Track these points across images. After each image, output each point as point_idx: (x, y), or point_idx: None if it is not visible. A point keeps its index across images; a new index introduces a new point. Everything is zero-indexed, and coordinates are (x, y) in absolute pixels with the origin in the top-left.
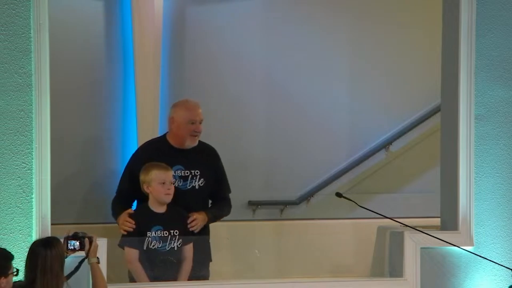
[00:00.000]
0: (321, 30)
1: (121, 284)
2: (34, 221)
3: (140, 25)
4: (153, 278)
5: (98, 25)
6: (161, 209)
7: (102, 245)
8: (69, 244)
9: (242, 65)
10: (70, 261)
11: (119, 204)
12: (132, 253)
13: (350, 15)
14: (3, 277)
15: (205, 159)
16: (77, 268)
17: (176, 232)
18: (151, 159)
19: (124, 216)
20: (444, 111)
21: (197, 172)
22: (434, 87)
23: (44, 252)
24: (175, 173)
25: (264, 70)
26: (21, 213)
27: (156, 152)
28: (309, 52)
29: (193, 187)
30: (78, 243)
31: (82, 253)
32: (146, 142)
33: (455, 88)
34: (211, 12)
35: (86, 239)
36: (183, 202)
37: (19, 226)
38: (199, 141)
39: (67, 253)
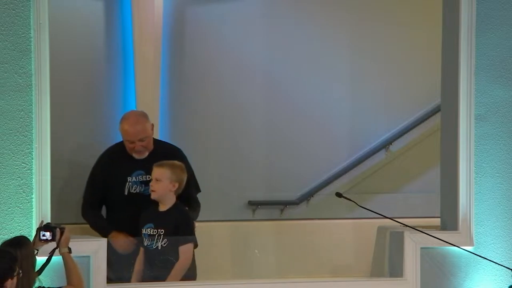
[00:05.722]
0: (321, 30)
1: (121, 284)
2: (34, 221)
3: (140, 25)
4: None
5: (98, 25)
6: (162, 208)
7: (102, 245)
8: (41, 235)
9: (242, 65)
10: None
11: (90, 212)
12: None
13: (350, 15)
14: (9, 279)
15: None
16: (48, 260)
17: (161, 231)
18: (111, 166)
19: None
20: (444, 111)
21: None
22: (434, 87)
23: (14, 252)
24: (136, 178)
25: (264, 70)
26: (21, 213)
27: (115, 159)
28: (309, 52)
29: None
30: (49, 233)
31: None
32: (106, 149)
33: (455, 88)
34: (211, 12)
35: (58, 230)
36: (147, 207)
37: (19, 226)
38: (162, 141)
39: (39, 242)
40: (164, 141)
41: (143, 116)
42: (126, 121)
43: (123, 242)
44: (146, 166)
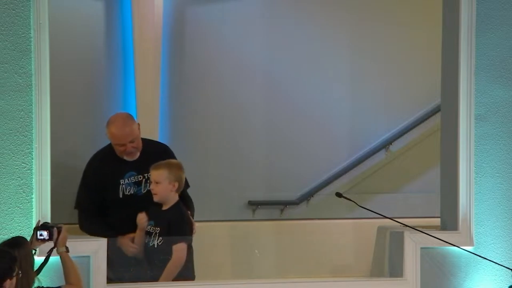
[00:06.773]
0: (321, 30)
1: (121, 284)
2: (34, 221)
3: (140, 25)
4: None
5: (98, 25)
6: (164, 207)
7: (102, 245)
8: (38, 234)
9: (242, 65)
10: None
11: (89, 226)
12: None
13: (350, 15)
14: (8, 279)
15: (155, 159)
16: (46, 259)
17: (157, 230)
18: (102, 171)
19: (127, 243)
20: (444, 111)
21: (149, 175)
22: (434, 87)
23: (13, 252)
24: (128, 180)
25: (264, 70)
26: (21, 213)
27: (106, 163)
28: (309, 52)
29: (149, 190)
30: (46, 232)
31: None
32: (94, 154)
33: (455, 88)
34: (211, 12)
35: (55, 229)
36: (142, 208)
37: (19, 226)
38: (148, 140)
39: (37, 242)
40: (150, 139)
41: (130, 118)
42: (113, 125)
43: (130, 245)
44: (137, 166)
